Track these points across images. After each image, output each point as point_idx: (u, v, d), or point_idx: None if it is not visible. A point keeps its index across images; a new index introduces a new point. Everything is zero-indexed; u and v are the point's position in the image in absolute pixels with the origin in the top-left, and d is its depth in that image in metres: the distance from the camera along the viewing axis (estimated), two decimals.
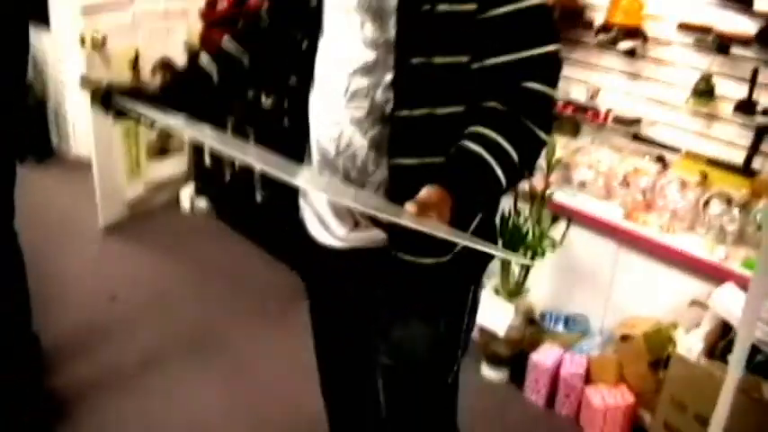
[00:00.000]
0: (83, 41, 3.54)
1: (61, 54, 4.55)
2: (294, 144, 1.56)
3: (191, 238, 3.89)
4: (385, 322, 1.59)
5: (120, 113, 1.51)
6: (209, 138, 1.48)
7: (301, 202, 1.63)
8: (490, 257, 1.59)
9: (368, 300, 1.61)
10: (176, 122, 1.49)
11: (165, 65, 3.88)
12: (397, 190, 1.39)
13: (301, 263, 1.78)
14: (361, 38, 1.39)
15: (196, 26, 3.86)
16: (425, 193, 1.21)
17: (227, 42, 1.66)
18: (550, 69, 1.36)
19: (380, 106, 1.39)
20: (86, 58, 3.57)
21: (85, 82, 1.54)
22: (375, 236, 1.47)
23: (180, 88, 1.64)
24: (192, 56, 1.67)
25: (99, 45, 3.56)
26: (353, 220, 1.50)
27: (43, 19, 4.44)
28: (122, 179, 3.91)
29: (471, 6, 1.30)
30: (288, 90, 1.57)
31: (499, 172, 1.29)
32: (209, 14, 3.78)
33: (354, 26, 1.40)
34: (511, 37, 1.32)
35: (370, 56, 1.39)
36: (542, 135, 1.35)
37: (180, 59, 3.89)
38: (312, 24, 1.48)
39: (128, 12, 3.70)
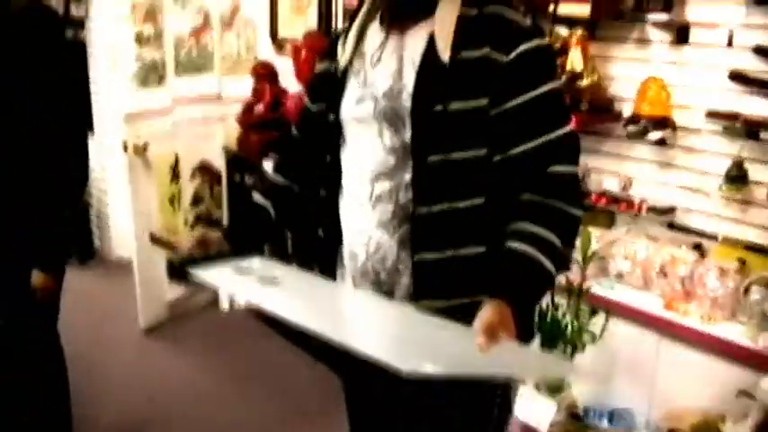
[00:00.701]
0: (125, 147, 3.67)
1: (103, 159, 4.70)
2: (328, 252, 1.62)
3: (230, 338, 3.91)
4: (413, 419, 1.60)
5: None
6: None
7: None
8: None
9: (397, 397, 1.61)
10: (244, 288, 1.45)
11: (203, 169, 3.99)
12: (422, 285, 1.45)
13: (337, 361, 1.80)
14: (381, 144, 1.46)
15: (234, 130, 3.98)
16: (487, 313, 1.21)
17: (272, 175, 1.75)
18: (570, 149, 1.41)
19: (405, 206, 1.43)
20: (128, 163, 3.70)
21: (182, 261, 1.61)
22: None
23: (245, 232, 1.72)
24: (247, 196, 1.76)
25: (141, 151, 3.69)
26: None
27: (87, 125, 4.61)
28: (163, 280, 3.97)
29: (483, 102, 1.36)
30: (319, 202, 1.63)
31: (548, 264, 1.32)
32: (246, 119, 3.90)
33: (373, 134, 1.47)
34: (528, 125, 1.37)
35: (390, 160, 1.45)
36: (576, 212, 1.39)
37: (218, 163, 4.00)
38: (333, 137, 1.56)
39: (168, 119, 3.83)
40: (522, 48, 1.36)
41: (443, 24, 1.39)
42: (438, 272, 1.42)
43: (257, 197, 1.73)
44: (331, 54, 1.59)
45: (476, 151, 1.38)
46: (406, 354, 1.28)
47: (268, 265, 1.49)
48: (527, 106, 1.36)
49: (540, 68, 1.39)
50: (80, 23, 4.69)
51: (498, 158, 1.39)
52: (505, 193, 1.40)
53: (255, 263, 1.49)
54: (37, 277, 2.20)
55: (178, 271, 1.56)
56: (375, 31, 1.53)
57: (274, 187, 1.73)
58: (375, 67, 1.48)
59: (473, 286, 1.39)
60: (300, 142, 1.72)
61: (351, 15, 1.61)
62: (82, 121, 2.34)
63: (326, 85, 1.58)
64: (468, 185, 1.40)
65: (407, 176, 1.42)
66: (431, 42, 1.40)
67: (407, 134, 1.41)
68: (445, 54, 1.37)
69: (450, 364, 1.13)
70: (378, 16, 1.54)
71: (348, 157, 1.54)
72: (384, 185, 1.45)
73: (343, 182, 1.56)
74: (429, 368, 1.13)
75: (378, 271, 1.49)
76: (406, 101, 1.41)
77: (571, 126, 1.40)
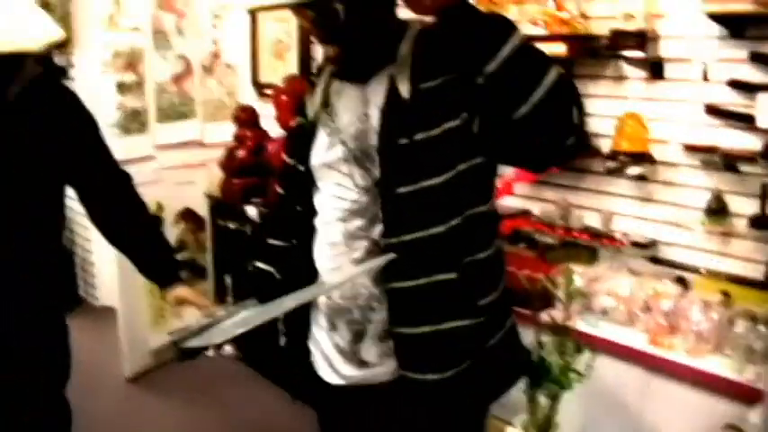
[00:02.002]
0: None
1: None
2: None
3: (216, 383, 3.86)
4: None
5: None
6: (258, 318, 1.49)
7: (311, 347, 1.67)
8: (503, 377, 1.62)
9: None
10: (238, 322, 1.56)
11: (187, 215, 3.99)
12: (397, 313, 1.45)
13: (316, 404, 1.80)
14: (352, 184, 1.47)
15: (216, 176, 3.98)
16: None
17: (272, 241, 1.75)
18: (567, 89, 1.32)
19: (377, 242, 1.45)
20: None
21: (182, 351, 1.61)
22: (379, 374, 1.51)
23: (257, 298, 1.68)
24: (251, 268, 1.80)
25: None
26: (358, 359, 1.53)
27: None
28: (147, 329, 3.94)
29: (450, 124, 1.37)
30: (292, 250, 1.66)
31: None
32: (228, 164, 3.91)
33: (344, 176, 1.49)
34: (516, 86, 1.26)
35: (362, 198, 1.46)
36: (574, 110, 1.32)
37: (201, 209, 4.00)
38: (305, 187, 1.58)
39: (150, 165, 3.84)
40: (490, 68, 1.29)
41: (401, 67, 1.42)
42: (412, 299, 1.43)
43: (260, 264, 1.76)
44: (302, 109, 1.63)
45: (445, 176, 1.39)
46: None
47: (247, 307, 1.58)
48: (506, 66, 1.24)
49: (496, 32, 1.26)
50: (63, 72, 4.71)
51: (498, 124, 1.31)
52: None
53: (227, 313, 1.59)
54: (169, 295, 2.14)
55: (186, 355, 1.57)
56: (339, 83, 1.56)
57: (275, 250, 1.74)
58: (344, 111, 1.51)
59: (446, 312, 1.44)
60: (286, 198, 1.72)
61: (318, 69, 1.65)
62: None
63: (300, 140, 1.61)
64: (438, 211, 1.41)
65: (380, 212, 1.44)
66: (392, 83, 1.42)
67: (377, 171, 1.43)
68: (405, 89, 1.40)
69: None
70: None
71: (320, 201, 1.56)
72: (357, 223, 1.48)
73: (317, 225, 1.57)
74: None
75: (351, 308, 1.51)
76: (373, 139, 1.43)
77: (557, 69, 1.29)
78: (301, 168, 1.58)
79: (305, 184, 1.59)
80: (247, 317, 1.55)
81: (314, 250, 1.59)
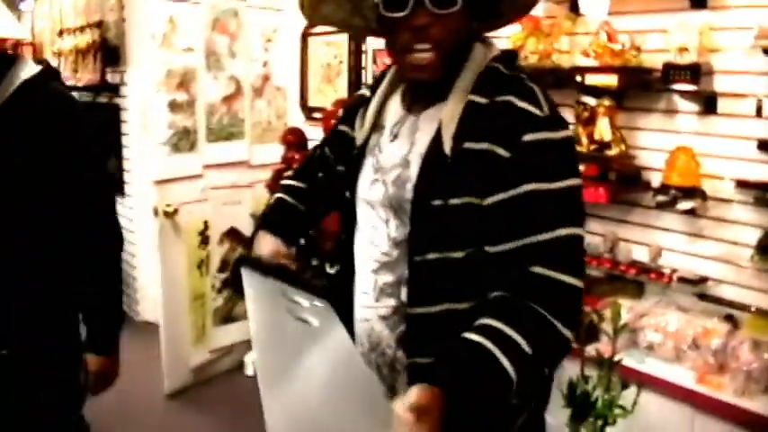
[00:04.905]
0: (156, 212, 3.72)
1: (133, 222, 4.77)
2: (347, 325, 1.45)
3: (254, 403, 3.85)
4: None
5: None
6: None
7: None
8: None
9: None
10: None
11: (232, 234, 4.03)
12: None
13: None
14: (386, 234, 1.41)
15: (263, 197, 4.02)
16: (412, 395, 1.08)
17: (288, 180, 1.73)
18: (566, 254, 1.24)
19: (405, 304, 1.37)
20: (159, 227, 3.74)
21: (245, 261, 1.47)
22: None
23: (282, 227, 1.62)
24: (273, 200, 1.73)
25: (171, 216, 3.73)
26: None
27: (118, 189, 4.71)
28: (189, 345, 3.98)
29: (486, 198, 1.27)
30: (332, 277, 1.64)
31: (505, 362, 1.14)
32: (276, 186, 3.94)
33: (381, 221, 1.43)
34: (515, 222, 1.25)
35: (393, 253, 1.39)
36: (559, 325, 1.21)
37: (246, 229, 4.04)
38: (347, 216, 1.52)
39: (198, 184, 3.90)
40: (526, 139, 1.26)
41: (451, 112, 1.33)
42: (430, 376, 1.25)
43: (281, 195, 1.69)
44: (351, 120, 1.57)
45: (476, 251, 1.29)
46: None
47: (318, 309, 1.38)
48: (517, 201, 1.25)
49: (544, 162, 1.26)
50: (115, 89, 4.81)
51: (488, 253, 1.28)
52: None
53: (307, 301, 1.38)
54: (93, 362, 2.07)
55: (235, 268, 1.44)
56: (395, 105, 1.50)
57: (294, 188, 1.70)
58: (391, 142, 1.44)
59: None
60: (306, 191, 1.69)
61: (372, 85, 1.59)
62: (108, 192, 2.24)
63: (345, 149, 1.56)
64: (467, 286, 1.30)
65: (407, 272, 1.35)
66: (438, 131, 1.33)
67: (409, 227, 1.36)
68: (448, 145, 1.30)
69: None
70: (399, 91, 1.51)
71: (359, 241, 1.50)
72: (387, 278, 1.41)
73: (356, 264, 1.51)
74: None
75: (379, 365, 1.44)
76: (409, 192, 1.35)
77: (575, 231, 1.25)
78: (347, 195, 1.51)
79: (344, 210, 1.53)
80: (313, 305, 1.39)
81: (354, 288, 1.51)
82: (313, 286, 1.43)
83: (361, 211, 1.48)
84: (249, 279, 1.38)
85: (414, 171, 1.36)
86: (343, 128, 1.63)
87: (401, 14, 1.29)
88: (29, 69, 1.85)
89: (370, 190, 1.45)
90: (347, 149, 1.54)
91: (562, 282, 1.22)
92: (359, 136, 1.51)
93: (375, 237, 1.44)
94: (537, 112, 1.28)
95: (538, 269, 1.22)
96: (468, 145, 1.29)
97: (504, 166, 1.26)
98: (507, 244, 1.25)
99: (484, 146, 1.28)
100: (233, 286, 1.44)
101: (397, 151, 1.42)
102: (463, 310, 1.29)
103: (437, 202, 1.29)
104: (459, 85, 1.34)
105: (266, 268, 1.43)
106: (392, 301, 1.40)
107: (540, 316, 1.20)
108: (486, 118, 1.30)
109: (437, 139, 1.33)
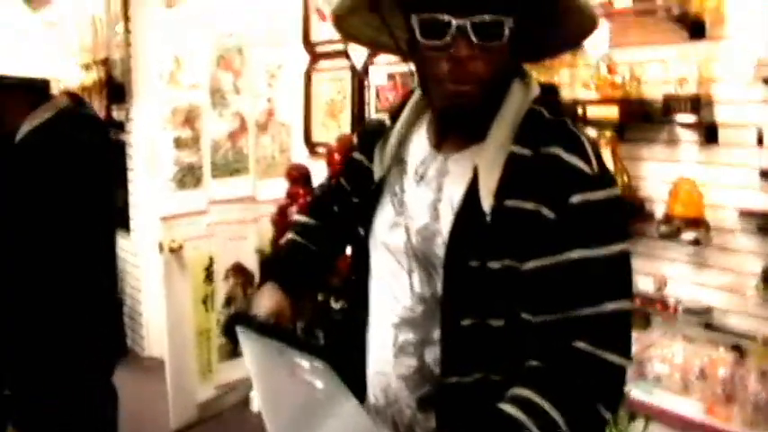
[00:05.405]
0: (161, 248, 3.73)
1: (139, 258, 4.78)
2: (355, 370, 1.40)
3: None
4: None
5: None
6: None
7: None
8: None
9: None
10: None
11: (237, 270, 4.04)
12: None
13: None
14: (409, 286, 1.29)
15: (267, 232, 4.03)
16: None
17: (300, 217, 1.65)
18: (612, 331, 1.15)
19: (429, 366, 1.26)
20: (164, 263, 3.75)
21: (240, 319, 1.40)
22: None
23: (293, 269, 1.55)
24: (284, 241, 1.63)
25: (176, 251, 3.75)
26: None
27: (123, 225, 4.73)
28: (194, 381, 3.96)
29: (527, 263, 1.17)
30: (343, 320, 1.55)
31: None
32: (280, 221, 3.96)
33: (402, 271, 1.30)
34: (559, 292, 1.15)
35: (417, 308, 1.27)
36: (601, 409, 1.13)
37: (252, 265, 4.05)
38: (360, 255, 1.40)
39: (203, 220, 3.92)
40: (575, 200, 1.15)
41: (490, 163, 1.20)
42: None
43: (293, 236, 1.59)
44: (369, 149, 1.44)
45: (515, 319, 1.18)
46: None
47: (319, 371, 1.31)
48: (562, 269, 1.15)
49: (592, 226, 1.16)
50: (121, 126, 4.86)
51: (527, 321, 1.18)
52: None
53: (307, 361, 1.32)
54: None
55: (229, 323, 1.38)
56: (419, 138, 1.37)
57: (308, 227, 1.61)
58: (416, 184, 1.32)
59: None
60: (320, 229, 1.60)
61: (392, 114, 1.44)
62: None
63: (362, 180, 1.45)
64: (505, 356, 1.20)
65: (436, 333, 1.24)
66: (474, 181, 1.21)
67: (439, 285, 1.23)
68: (487, 201, 1.17)
69: None
70: (425, 122, 1.39)
71: (375, 287, 1.38)
72: (408, 336, 1.29)
73: (370, 311, 1.39)
74: None
75: (396, 422, 1.33)
76: (440, 248, 1.23)
77: (623, 305, 1.15)
78: (361, 232, 1.39)
79: (358, 248, 1.42)
80: (310, 365, 1.32)
81: (367, 335, 1.40)
82: (311, 346, 1.37)
83: (378, 253, 1.37)
84: (245, 336, 1.32)
85: (445, 225, 1.24)
86: (359, 156, 1.51)
87: (440, 43, 1.15)
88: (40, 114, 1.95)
89: (391, 234, 1.33)
90: (363, 181, 1.43)
91: (607, 361, 1.13)
92: (377, 169, 1.39)
93: (395, 287, 1.31)
94: (586, 168, 1.17)
95: (582, 345, 1.12)
96: (509, 203, 1.17)
97: (549, 229, 1.15)
98: (550, 315, 1.16)
99: (528, 206, 1.16)
100: (226, 337, 1.38)
101: (423, 196, 1.30)
102: (499, 381, 1.19)
103: (474, 264, 1.17)
104: (497, 130, 1.22)
105: (261, 328, 1.36)
106: (414, 361, 1.28)
107: (581, 395, 1.12)
108: (530, 174, 1.18)
109: (473, 192, 1.20)
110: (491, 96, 1.22)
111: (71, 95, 2.18)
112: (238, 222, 4.09)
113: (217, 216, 4.00)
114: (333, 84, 4.22)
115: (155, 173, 3.86)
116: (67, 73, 2.17)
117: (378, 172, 1.38)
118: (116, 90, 4.84)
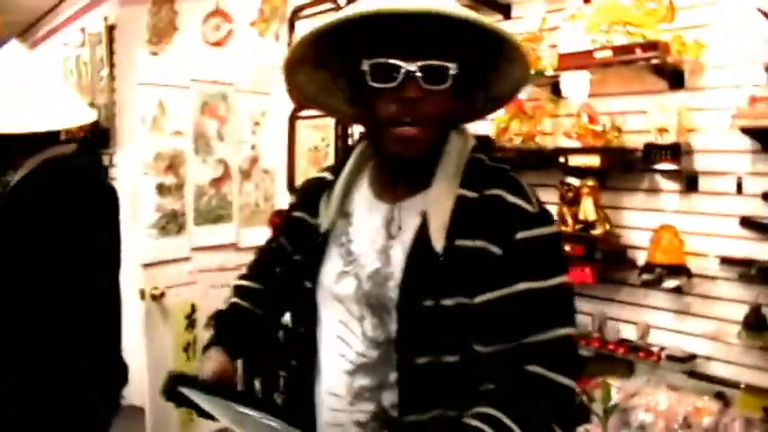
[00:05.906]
0: (142, 295, 3.69)
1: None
2: (306, 422, 1.38)
3: None
4: None
5: (183, 402, 1.41)
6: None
7: None
8: None
9: None
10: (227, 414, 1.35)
11: None
12: None
13: None
14: (361, 332, 1.32)
15: None
16: None
17: (242, 281, 1.68)
18: (560, 355, 1.23)
19: (388, 410, 1.28)
20: (145, 310, 3.72)
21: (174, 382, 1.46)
22: None
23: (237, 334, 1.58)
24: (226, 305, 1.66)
25: (158, 298, 3.72)
26: None
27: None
28: (175, 430, 3.90)
29: (477, 297, 1.24)
30: (291, 373, 1.55)
31: None
32: None
33: (353, 318, 1.33)
34: (507, 323, 1.23)
35: (372, 353, 1.30)
36: (556, 428, 1.19)
37: None
38: (307, 307, 1.41)
39: (185, 267, 3.89)
40: (519, 236, 1.24)
41: (438, 206, 1.27)
42: None
43: (236, 300, 1.62)
44: (311, 205, 1.47)
45: (469, 352, 1.24)
46: None
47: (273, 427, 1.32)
48: (511, 300, 1.23)
49: (537, 260, 1.25)
50: (104, 171, 4.84)
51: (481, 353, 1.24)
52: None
53: (256, 413, 1.35)
54: None
55: (170, 384, 1.43)
56: (364, 190, 1.43)
57: (249, 290, 1.64)
58: (363, 232, 1.37)
59: None
60: (262, 293, 1.63)
61: (334, 168, 1.49)
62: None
63: (304, 237, 1.46)
64: (461, 391, 1.24)
65: (392, 376, 1.27)
66: (423, 225, 1.27)
67: (392, 327, 1.27)
68: (439, 243, 1.24)
69: None
70: (366, 175, 1.44)
71: (325, 337, 1.38)
72: (364, 382, 1.30)
73: (320, 363, 1.38)
74: None
75: None
76: (393, 291, 1.27)
77: (570, 331, 1.25)
78: (308, 285, 1.40)
79: (304, 301, 1.41)
80: (260, 423, 1.34)
81: (315, 387, 1.38)
82: (260, 403, 1.43)
83: (326, 304, 1.38)
84: (191, 393, 1.37)
85: (397, 268, 1.28)
86: (299, 214, 1.52)
87: (390, 85, 1.22)
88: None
89: (339, 283, 1.36)
90: (305, 237, 1.45)
91: (559, 383, 1.20)
92: (323, 222, 1.41)
93: (345, 334, 1.33)
94: (528, 207, 1.28)
95: (534, 368, 1.20)
96: (459, 243, 1.24)
97: (497, 264, 1.23)
98: (502, 344, 1.22)
99: (478, 244, 1.24)
100: (166, 397, 1.43)
101: (371, 243, 1.35)
102: (455, 416, 1.22)
103: (428, 303, 1.23)
104: (442, 175, 1.30)
105: (205, 388, 1.42)
106: (371, 406, 1.29)
107: (537, 414, 1.18)
108: (477, 214, 1.26)
109: (423, 235, 1.26)
110: (436, 144, 1.30)
111: (79, 140, 2.22)
112: (221, 270, 4.06)
113: (199, 263, 3.97)
114: (316, 131, 4.24)
115: (137, 219, 3.83)
116: (88, 117, 2.19)
117: (324, 224, 1.41)
118: (100, 135, 4.84)
